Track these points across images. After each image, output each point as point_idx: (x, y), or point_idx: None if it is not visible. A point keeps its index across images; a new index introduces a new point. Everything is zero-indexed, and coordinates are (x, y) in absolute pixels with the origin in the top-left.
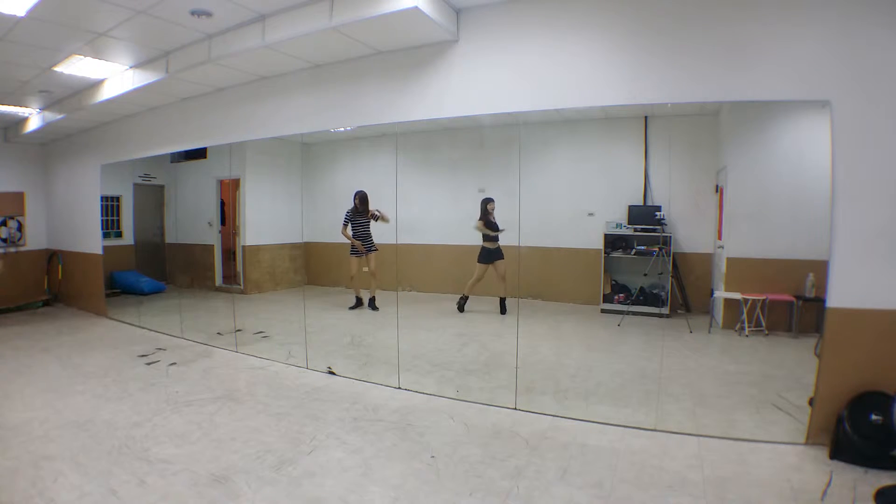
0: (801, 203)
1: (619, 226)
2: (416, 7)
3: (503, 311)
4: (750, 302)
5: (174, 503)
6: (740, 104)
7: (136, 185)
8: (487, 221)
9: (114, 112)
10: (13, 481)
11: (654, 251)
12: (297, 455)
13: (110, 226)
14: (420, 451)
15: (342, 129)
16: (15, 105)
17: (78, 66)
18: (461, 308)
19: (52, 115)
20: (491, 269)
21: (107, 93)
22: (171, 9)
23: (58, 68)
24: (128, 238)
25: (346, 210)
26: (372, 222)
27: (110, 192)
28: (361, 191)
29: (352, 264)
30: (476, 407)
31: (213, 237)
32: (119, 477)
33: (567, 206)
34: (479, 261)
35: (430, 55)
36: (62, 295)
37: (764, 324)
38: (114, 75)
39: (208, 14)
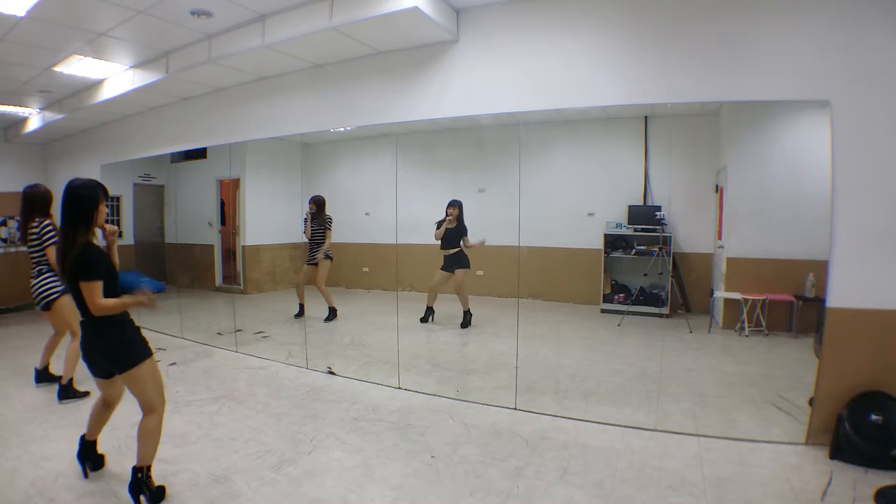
0: (801, 203)
1: (619, 226)
2: (416, 7)
3: (463, 324)
4: (750, 302)
5: (174, 503)
6: (740, 104)
7: (136, 185)
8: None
9: (114, 112)
10: (13, 481)
11: (654, 251)
12: (297, 455)
13: None
14: (420, 451)
15: (342, 129)
16: (15, 105)
17: (78, 66)
18: (427, 319)
19: (52, 115)
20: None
21: (107, 93)
22: (171, 9)
23: (58, 68)
24: (128, 238)
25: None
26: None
27: (110, 192)
28: (318, 195)
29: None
30: (476, 407)
31: (213, 237)
32: (119, 477)
33: (567, 206)
34: (441, 268)
35: (430, 55)
36: None
37: (764, 324)
38: (114, 75)
39: (208, 14)
